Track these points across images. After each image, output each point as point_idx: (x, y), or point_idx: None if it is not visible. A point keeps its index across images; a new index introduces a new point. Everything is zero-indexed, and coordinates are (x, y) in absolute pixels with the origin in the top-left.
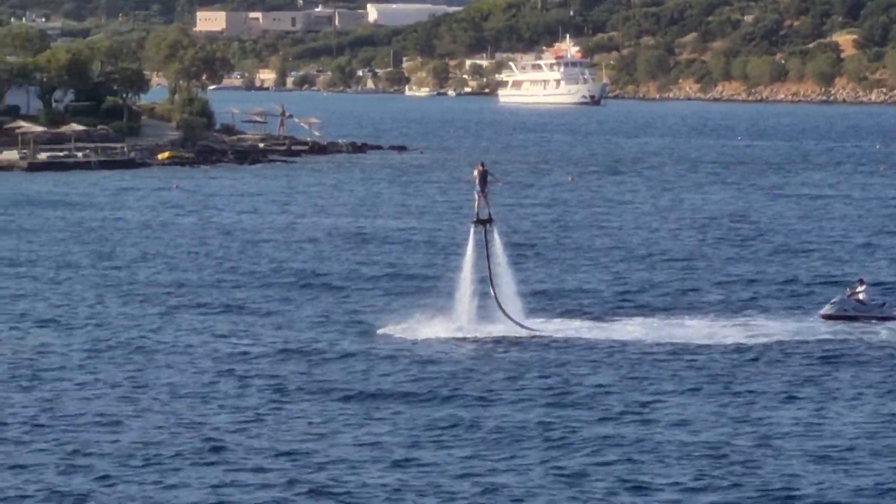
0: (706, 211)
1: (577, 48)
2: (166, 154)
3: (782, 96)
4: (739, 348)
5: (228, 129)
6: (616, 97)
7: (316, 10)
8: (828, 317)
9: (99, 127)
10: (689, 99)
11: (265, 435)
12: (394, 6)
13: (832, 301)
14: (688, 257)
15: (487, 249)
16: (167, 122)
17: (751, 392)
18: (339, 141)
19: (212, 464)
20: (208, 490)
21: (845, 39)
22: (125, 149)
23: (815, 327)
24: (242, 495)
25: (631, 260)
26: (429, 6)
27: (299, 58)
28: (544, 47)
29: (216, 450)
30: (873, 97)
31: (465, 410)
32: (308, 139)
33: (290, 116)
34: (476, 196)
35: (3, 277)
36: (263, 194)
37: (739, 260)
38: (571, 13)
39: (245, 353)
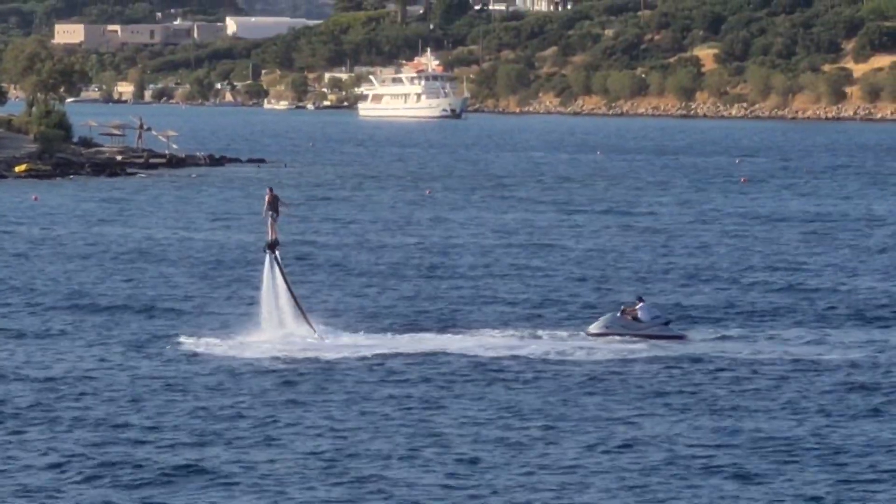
0: (523, 226)
1: (438, 62)
2: (23, 166)
3: (643, 110)
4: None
5: (86, 142)
6: (476, 111)
7: (174, 23)
8: (595, 334)
9: None
10: (549, 113)
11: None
12: (253, 19)
13: (600, 319)
14: (488, 274)
15: (282, 271)
16: (24, 135)
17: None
18: (197, 154)
19: None
20: None
21: (706, 54)
22: None
23: (577, 344)
24: None
25: (434, 275)
26: (288, 19)
27: (158, 70)
28: (404, 61)
29: None
30: (734, 112)
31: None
32: (166, 152)
33: (149, 129)
34: (269, 221)
35: None
36: (94, 208)
37: (533, 277)
38: (431, 27)
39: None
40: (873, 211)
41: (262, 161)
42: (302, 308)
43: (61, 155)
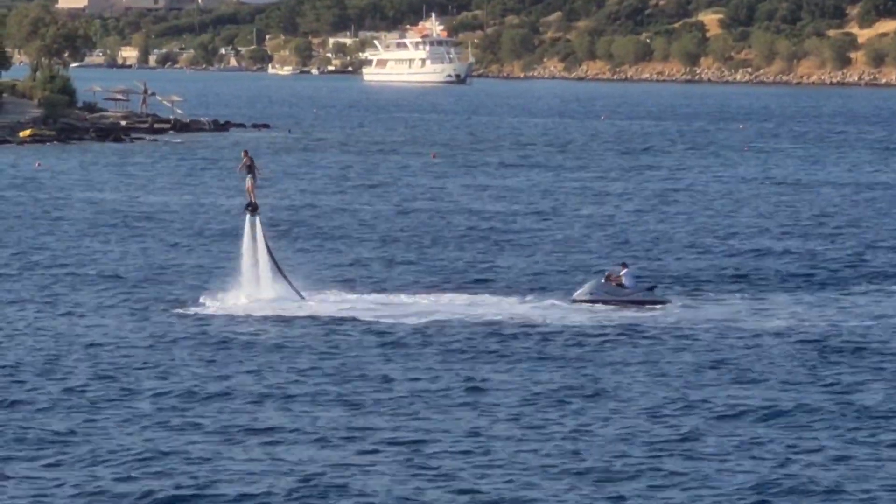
0: (514, 192)
1: (442, 27)
2: (27, 132)
3: (647, 76)
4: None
5: (90, 107)
6: (480, 76)
7: None
8: (580, 301)
9: None
10: (553, 78)
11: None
12: None
13: (585, 285)
14: (477, 239)
15: (262, 233)
16: (29, 100)
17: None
18: (202, 119)
19: None
20: None
21: (711, 19)
22: None
23: (562, 310)
24: None
25: (422, 239)
26: None
27: (162, 35)
28: (408, 26)
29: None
30: (738, 77)
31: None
32: (170, 117)
33: (153, 94)
34: (247, 183)
35: None
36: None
37: (537, 241)
38: None
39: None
40: (875, 178)
41: (266, 126)
42: (281, 269)
43: (65, 120)
